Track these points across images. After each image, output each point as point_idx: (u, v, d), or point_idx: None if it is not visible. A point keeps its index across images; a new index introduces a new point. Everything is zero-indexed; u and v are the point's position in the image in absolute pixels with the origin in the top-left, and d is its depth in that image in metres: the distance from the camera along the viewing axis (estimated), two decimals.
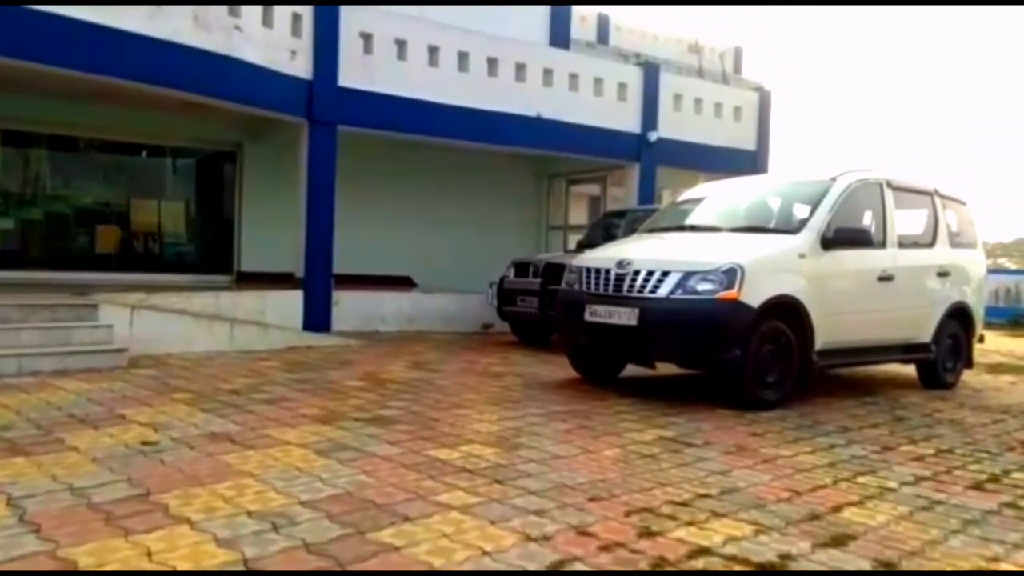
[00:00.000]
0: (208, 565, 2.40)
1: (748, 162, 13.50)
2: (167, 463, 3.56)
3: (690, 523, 2.99)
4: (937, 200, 7.23)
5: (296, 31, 9.56)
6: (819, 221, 6.04)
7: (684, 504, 3.23)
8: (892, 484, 3.71)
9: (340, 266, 10.25)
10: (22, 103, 9.70)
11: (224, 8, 8.57)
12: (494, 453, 3.95)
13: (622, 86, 12.50)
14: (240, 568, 2.39)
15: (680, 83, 13.54)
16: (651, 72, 12.88)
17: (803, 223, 6.12)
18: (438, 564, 2.48)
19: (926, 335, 6.94)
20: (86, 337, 6.60)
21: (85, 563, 2.36)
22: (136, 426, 4.28)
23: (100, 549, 2.48)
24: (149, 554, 2.46)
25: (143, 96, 8.62)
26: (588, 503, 3.18)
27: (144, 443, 3.90)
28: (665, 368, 6.63)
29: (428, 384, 6.21)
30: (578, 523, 2.93)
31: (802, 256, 5.88)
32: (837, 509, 3.26)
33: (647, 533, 2.86)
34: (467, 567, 2.48)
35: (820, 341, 5.89)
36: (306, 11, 9.62)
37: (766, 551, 2.73)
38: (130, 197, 11.87)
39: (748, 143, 13.96)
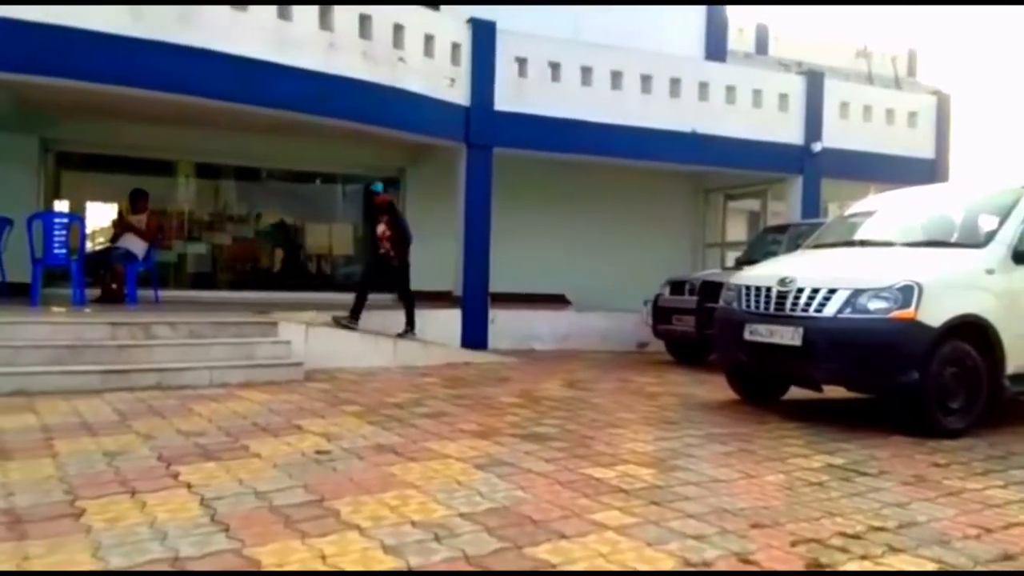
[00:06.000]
0: (375, 571, 2.51)
1: (925, 171, 12.59)
2: (338, 471, 3.77)
3: (864, 557, 2.80)
4: None
5: (455, 59, 9.98)
6: (1010, 233, 5.51)
7: (856, 536, 3.03)
8: None
9: (495, 284, 10.50)
10: (213, 138, 10.70)
11: (389, 41, 9.10)
12: (650, 474, 3.89)
13: (783, 96, 12.06)
14: None
15: (847, 90, 12.87)
16: (814, 80, 12.34)
17: (991, 235, 5.60)
18: None
19: None
20: (267, 352, 7.13)
21: (267, 562, 2.55)
22: (311, 436, 4.57)
23: (280, 550, 2.66)
24: (323, 557, 2.61)
25: (318, 128, 9.28)
26: (750, 530, 3.06)
27: (318, 452, 4.16)
28: (833, 391, 6.27)
29: (583, 402, 6.21)
30: (740, 550, 2.82)
31: (990, 272, 5.39)
32: None
33: (815, 565, 2.71)
34: None
35: (1012, 365, 5.36)
36: (464, 39, 10.03)
37: None
38: (305, 222, 12.78)
39: (925, 151, 13.03)
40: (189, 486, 3.41)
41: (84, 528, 2.82)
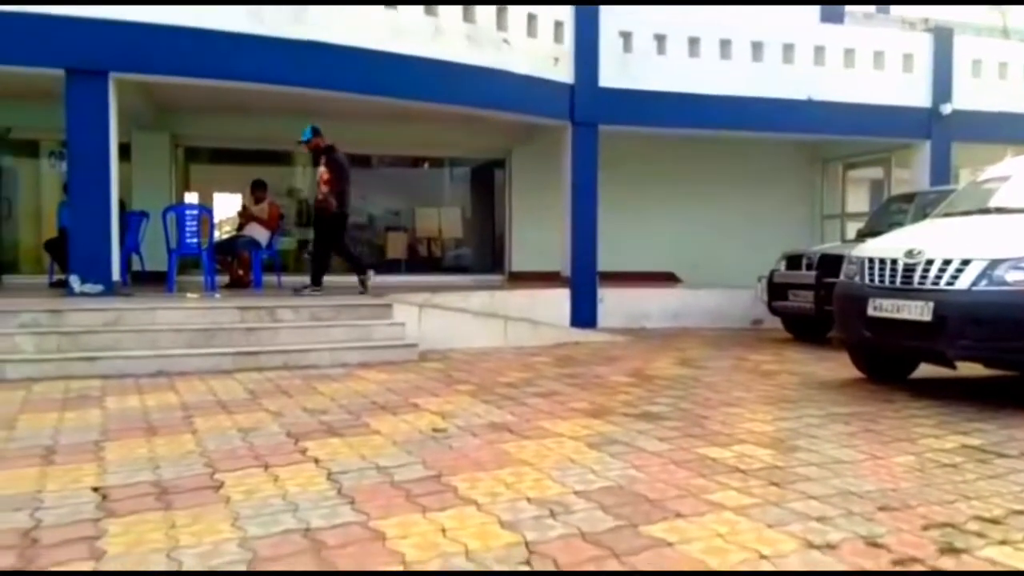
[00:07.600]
0: (494, 545, 2.57)
1: None
2: (455, 448, 3.87)
3: (1003, 542, 2.64)
4: None
5: (558, 38, 9.93)
6: None
7: (994, 521, 2.86)
8: None
9: (604, 263, 10.44)
10: (327, 127, 11.04)
11: (493, 23, 9.15)
12: (769, 454, 3.79)
13: (907, 56, 11.35)
14: (522, 550, 2.53)
15: (980, 46, 11.98)
16: (943, 37, 11.55)
17: None
18: (713, 564, 2.44)
19: None
20: (383, 333, 7.36)
21: (392, 534, 2.65)
22: (427, 414, 4.70)
23: (403, 523, 2.77)
24: (443, 530, 2.70)
25: (426, 113, 9.46)
26: (877, 512, 2.94)
27: (435, 430, 4.28)
28: (969, 368, 5.91)
29: (696, 381, 6.11)
30: (867, 533, 2.72)
31: None
32: None
33: (949, 549, 2.58)
34: (743, 569, 2.41)
35: None
36: (567, 17, 9.94)
37: None
38: (414, 206, 13.09)
39: None
40: (316, 461, 3.59)
41: (223, 499, 3.02)
